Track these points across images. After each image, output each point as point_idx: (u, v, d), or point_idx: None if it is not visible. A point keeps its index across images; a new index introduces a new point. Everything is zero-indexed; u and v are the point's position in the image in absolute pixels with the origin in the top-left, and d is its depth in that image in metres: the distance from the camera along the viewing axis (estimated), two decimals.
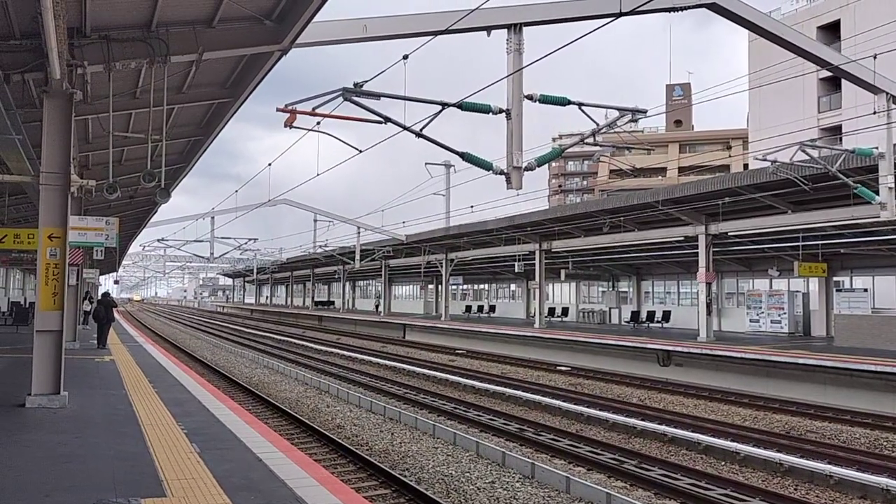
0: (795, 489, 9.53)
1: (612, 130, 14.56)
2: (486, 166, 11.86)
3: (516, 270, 34.73)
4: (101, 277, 56.23)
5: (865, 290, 24.92)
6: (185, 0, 9.89)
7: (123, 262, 67.62)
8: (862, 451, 11.65)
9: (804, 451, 11.28)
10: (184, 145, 18.67)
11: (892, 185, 15.90)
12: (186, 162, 20.22)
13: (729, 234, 23.56)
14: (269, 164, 25.24)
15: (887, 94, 15.71)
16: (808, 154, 16.77)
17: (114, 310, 22.82)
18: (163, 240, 50.06)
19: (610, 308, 38.64)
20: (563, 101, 12.23)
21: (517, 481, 9.37)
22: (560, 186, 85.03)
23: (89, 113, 13.41)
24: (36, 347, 9.81)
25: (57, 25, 7.85)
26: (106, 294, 23.39)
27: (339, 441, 11.36)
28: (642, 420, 13.56)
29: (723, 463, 10.87)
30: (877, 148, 16.10)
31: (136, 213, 29.76)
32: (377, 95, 11.22)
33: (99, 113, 13.09)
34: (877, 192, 16.30)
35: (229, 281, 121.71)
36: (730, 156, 45.71)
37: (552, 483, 9.13)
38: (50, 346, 9.85)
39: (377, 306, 61.21)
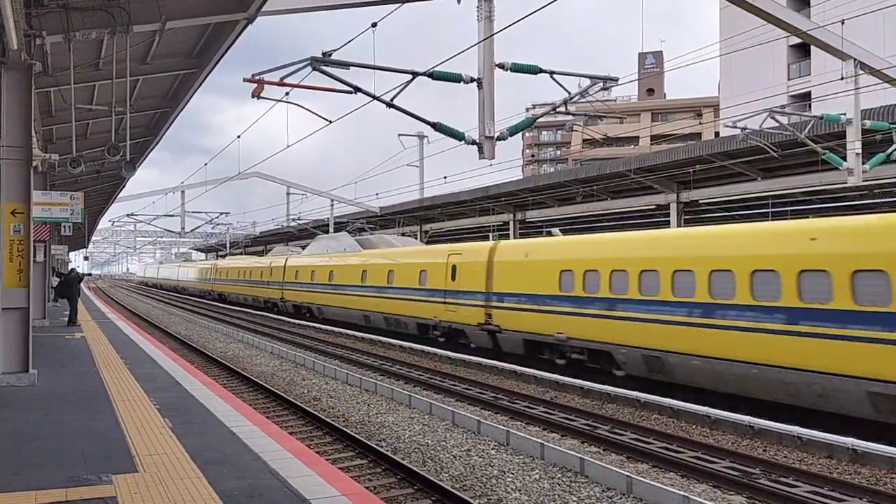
0: (764, 450, 9.73)
1: (585, 99, 14.55)
2: (458, 136, 11.82)
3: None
4: (70, 254, 55.42)
5: None
6: None
7: (93, 238, 66.69)
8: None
9: (772, 413, 11.48)
10: (150, 118, 18.34)
11: (860, 151, 16.06)
12: (153, 135, 19.89)
13: (700, 201, 23.77)
14: (238, 137, 24.91)
15: (855, 60, 15.80)
16: (777, 121, 16.90)
17: (80, 284, 22.67)
18: (132, 215, 49.45)
19: None
20: (535, 70, 12.17)
21: (492, 448, 9.46)
22: (533, 156, 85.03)
23: (51, 85, 13.09)
24: (2, 325, 9.66)
25: None
26: (72, 270, 23.13)
27: (315, 413, 11.36)
28: (615, 386, 13.72)
29: (694, 426, 11.06)
30: (844, 114, 16.25)
31: (103, 188, 29.30)
32: (346, 65, 11.08)
33: (60, 85, 12.80)
34: (844, 158, 16.49)
35: (202, 256, 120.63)
36: (700, 123, 45.95)
37: (527, 450, 9.23)
38: (16, 324, 9.72)
39: None
